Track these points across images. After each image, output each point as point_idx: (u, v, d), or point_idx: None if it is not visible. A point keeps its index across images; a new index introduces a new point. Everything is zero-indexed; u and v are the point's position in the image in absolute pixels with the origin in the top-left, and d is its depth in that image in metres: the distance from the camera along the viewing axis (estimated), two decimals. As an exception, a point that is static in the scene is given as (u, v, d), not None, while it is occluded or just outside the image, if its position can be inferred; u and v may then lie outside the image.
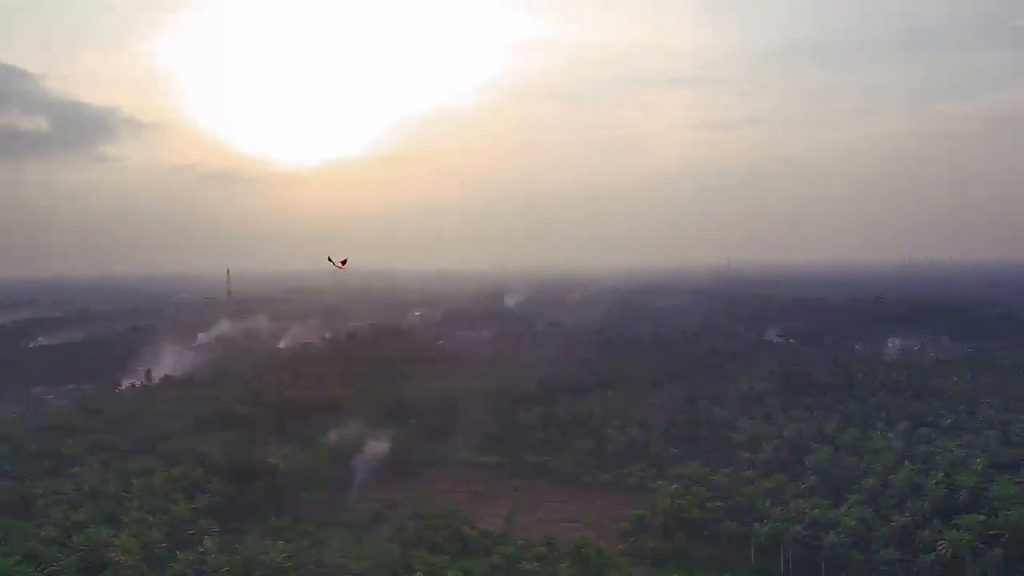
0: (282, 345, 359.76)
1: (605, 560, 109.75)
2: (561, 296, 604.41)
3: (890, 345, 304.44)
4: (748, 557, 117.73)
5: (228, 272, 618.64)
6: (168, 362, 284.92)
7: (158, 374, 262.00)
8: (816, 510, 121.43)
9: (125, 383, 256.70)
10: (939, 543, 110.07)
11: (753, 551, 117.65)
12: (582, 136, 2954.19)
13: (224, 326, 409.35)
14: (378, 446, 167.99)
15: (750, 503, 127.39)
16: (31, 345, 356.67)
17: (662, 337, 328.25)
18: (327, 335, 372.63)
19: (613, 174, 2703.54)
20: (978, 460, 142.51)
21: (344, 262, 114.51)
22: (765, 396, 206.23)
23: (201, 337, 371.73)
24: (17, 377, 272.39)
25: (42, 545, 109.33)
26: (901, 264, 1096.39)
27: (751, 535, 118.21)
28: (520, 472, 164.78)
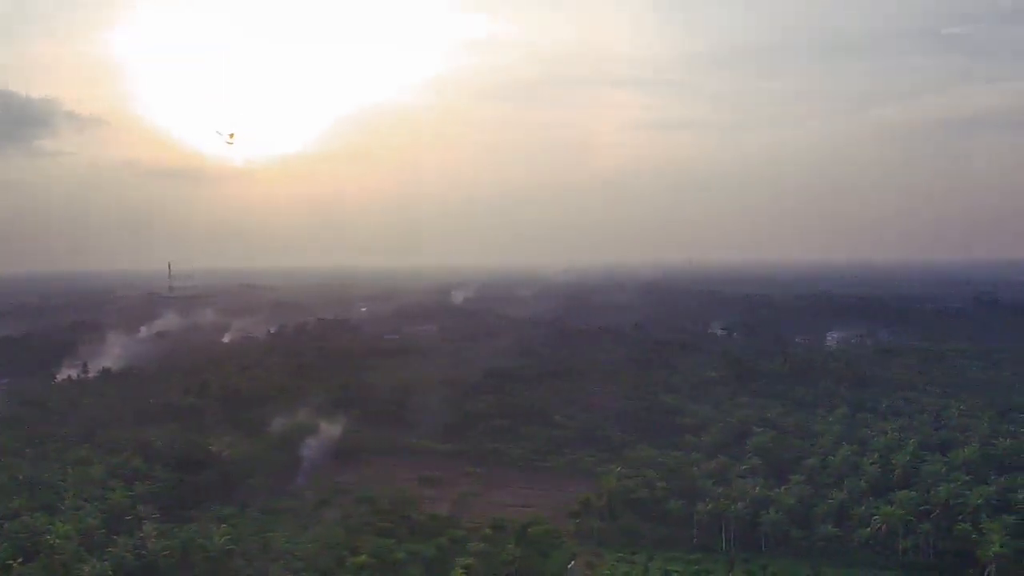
0: (227, 339, 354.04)
1: (552, 540, 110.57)
2: (511, 292, 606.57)
3: (831, 337, 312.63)
4: (691, 535, 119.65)
5: (169, 267, 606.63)
6: (108, 355, 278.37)
7: (97, 367, 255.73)
8: (757, 489, 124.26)
9: (63, 376, 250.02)
10: (873, 518, 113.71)
11: (696, 529, 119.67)
12: (527, 135, 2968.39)
13: (165, 320, 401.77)
14: (326, 435, 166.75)
15: (695, 484, 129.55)
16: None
17: (613, 330, 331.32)
18: (273, 329, 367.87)
19: (559, 173, 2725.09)
20: (911, 441, 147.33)
21: (232, 135, 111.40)
22: (712, 384, 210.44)
23: (142, 331, 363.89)
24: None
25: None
26: (843, 263, 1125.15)
27: (694, 514, 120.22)
28: (472, 459, 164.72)
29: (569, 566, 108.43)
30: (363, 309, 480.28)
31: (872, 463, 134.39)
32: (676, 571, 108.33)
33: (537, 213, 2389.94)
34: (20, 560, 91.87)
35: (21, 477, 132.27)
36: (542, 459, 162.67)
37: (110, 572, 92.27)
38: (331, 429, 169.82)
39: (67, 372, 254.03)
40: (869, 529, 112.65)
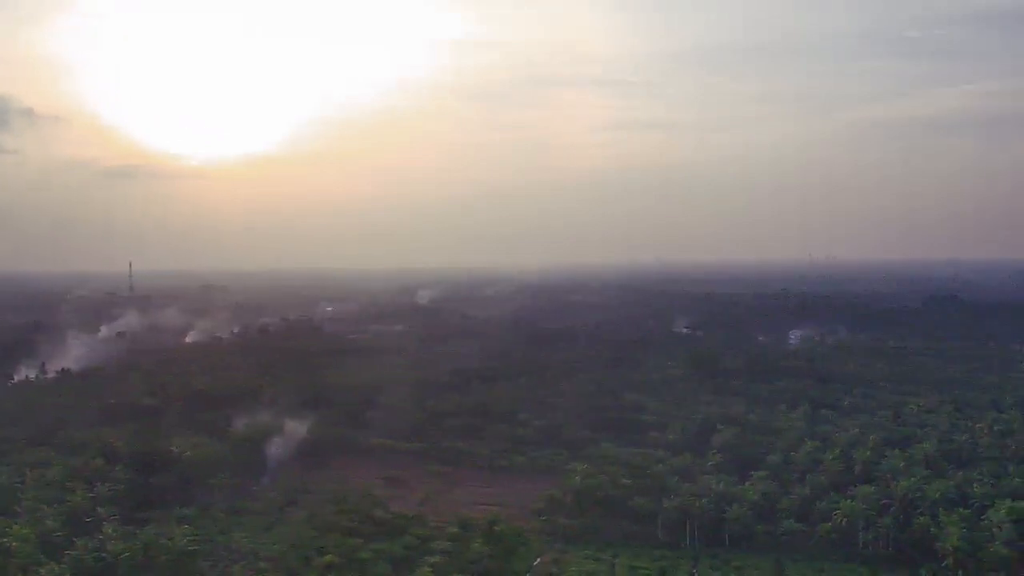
0: (189, 339, 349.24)
1: (518, 538, 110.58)
2: (477, 292, 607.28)
3: (793, 335, 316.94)
4: (656, 532, 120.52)
5: (131, 267, 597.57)
6: (67, 356, 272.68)
7: (55, 368, 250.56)
8: (722, 485, 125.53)
9: (20, 377, 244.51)
10: (835, 513, 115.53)
11: (661, 525, 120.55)
12: (500, 136, 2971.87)
13: (126, 320, 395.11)
14: (290, 435, 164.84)
15: (660, 481, 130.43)
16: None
17: (576, 329, 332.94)
18: (236, 329, 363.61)
19: (532, 174, 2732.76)
20: (872, 437, 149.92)
21: None
22: (675, 381, 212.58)
23: (102, 331, 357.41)
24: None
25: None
26: (804, 263, 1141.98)
27: (660, 510, 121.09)
28: (436, 458, 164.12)
29: (535, 563, 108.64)
30: (328, 309, 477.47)
31: (834, 459, 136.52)
32: (642, 567, 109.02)
33: (510, 214, 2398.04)
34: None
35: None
36: (506, 458, 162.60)
37: (69, 575, 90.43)
38: (295, 429, 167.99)
39: (24, 373, 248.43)
40: (831, 523, 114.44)
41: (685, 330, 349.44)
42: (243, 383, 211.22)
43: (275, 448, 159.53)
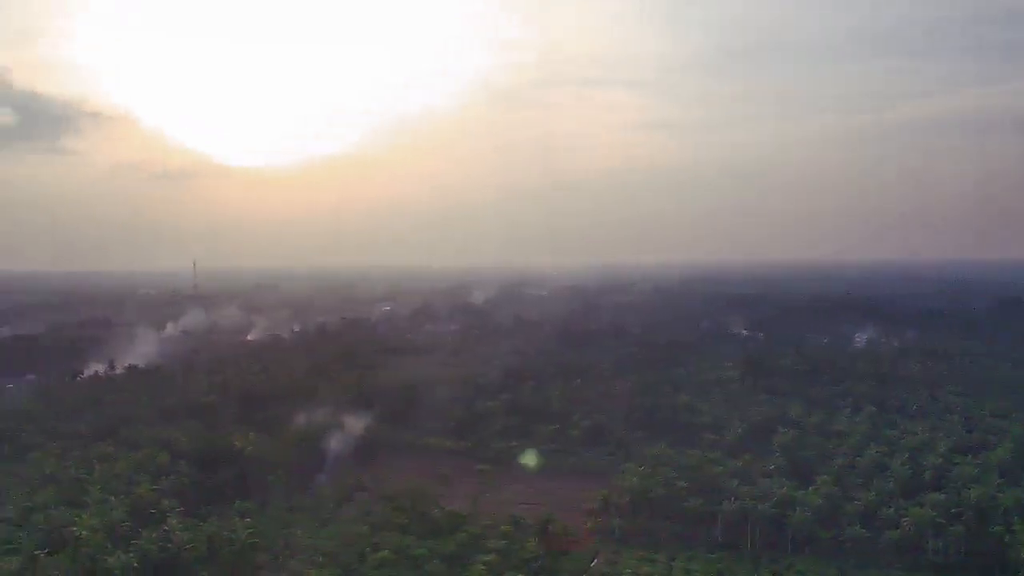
0: (249, 337, 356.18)
1: (571, 537, 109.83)
2: (525, 292, 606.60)
3: (853, 336, 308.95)
4: (714, 535, 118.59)
5: (195, 266, 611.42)
6: (133, 352, 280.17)
7: (122, 364, 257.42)
8: (783, 489, 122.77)
9: (87, 373, 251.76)
10: (903, 520, 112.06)
11: (720, 528, 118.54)
12: (532, 136, 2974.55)
13: (189, 319, 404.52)
14: (344, 432, 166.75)
15: (716, 482, 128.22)
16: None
17: (626, 329, 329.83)
18: (295, 328, 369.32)
19: (563, 174, 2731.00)
20: (941, 443, 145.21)
21: None
22: (729, 382, 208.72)
23: (166, 329, 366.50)
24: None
25: (1, 525, 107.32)
26: (850, 263, 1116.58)
27: (718, 513, 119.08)
28: (485, 457, 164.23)
29: (592, 564, 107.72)
30: (386, 308, 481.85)
31: (902, 464, 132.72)
32: (698, 570, 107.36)
33: (544, 213, 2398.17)
34: (46, 551, 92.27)
35: (47, 471, 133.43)
36: (557, 458, 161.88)
37: (135, 564, 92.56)
38: (349, 427, 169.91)
39: (92, 369, 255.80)
40: (898, 531, 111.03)
41: (741, 331, 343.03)
42: (300, 381, 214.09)
43: (329, 445, 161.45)
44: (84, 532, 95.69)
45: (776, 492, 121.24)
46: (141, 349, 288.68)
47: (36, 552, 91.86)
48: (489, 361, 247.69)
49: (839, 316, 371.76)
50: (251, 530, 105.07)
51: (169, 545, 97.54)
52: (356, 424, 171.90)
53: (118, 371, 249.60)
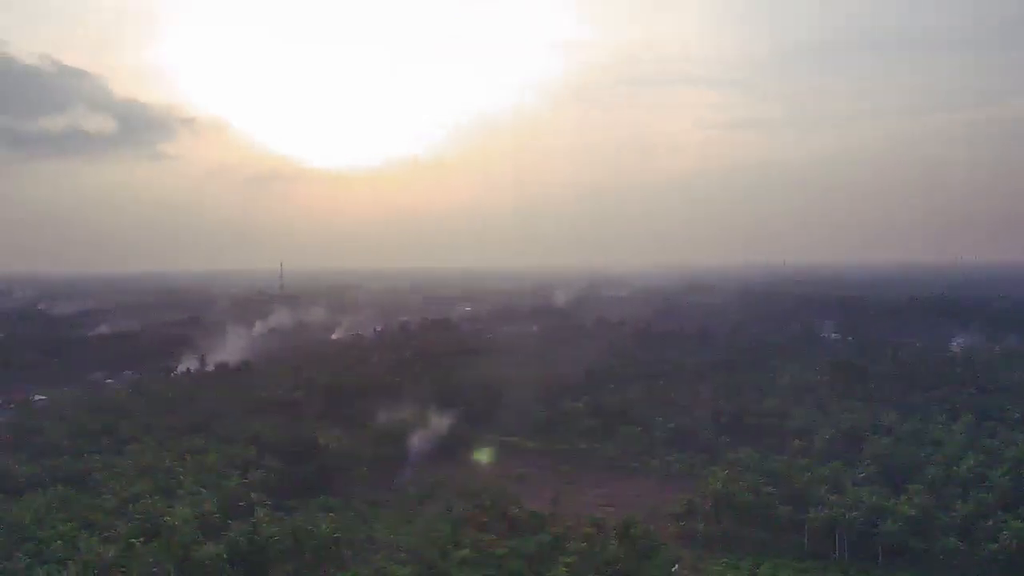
0: (333, 336, 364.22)
1: (653, 541, 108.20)
2: (605, 293, 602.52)
3: (950, 341, 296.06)
4: (801, 542, 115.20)
5: (281, 266, 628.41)
6: (222, 350, 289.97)
7: (212, 361, 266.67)
8: (874, 498, 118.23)
9: (180, 369, 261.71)
10: (1003, 533, 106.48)
11: (807, 536, 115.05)
12: (609, 136, 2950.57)
13: (276, 318, 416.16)
14: (425, 430, 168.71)
15: (805, 489, 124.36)
16: (91, 334, 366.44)
17: (708, 331, 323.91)
18: (377, 327, 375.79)
19: (640, 174, 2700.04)
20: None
21: None
22: (818, 387, 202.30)
23: (254, 327, 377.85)
24: (78, 363, 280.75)
25: (100, 514, 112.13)
26: (945, 265, 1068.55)
27: (805, 520, 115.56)
28: (566, 458, 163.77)
29: (673, 569, 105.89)
30: (467, 309, 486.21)
31: (1002, 474, 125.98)
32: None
33: (620, 214, 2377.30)
34: (142, 540, 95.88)
35: (143, 463, 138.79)
36: (639, 460, 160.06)
37: (224, 554, 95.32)
38: (430, 425, 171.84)
39: (185, 365, 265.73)
40: (997, 544, 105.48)
41: (830, 334, 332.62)
42: (382, 379, 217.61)
43: (410, 442, 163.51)
44: (177, 522, 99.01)
45: (866, 501, 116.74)
46: (230, 347, 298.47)
47: (132, 540, 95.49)
48: (570, 362, 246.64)
49: (937, 319, 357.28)
50: (334, 525, 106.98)
51: (256, 537, 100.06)
52: (437, 422, 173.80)
53: (209, 368, 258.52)
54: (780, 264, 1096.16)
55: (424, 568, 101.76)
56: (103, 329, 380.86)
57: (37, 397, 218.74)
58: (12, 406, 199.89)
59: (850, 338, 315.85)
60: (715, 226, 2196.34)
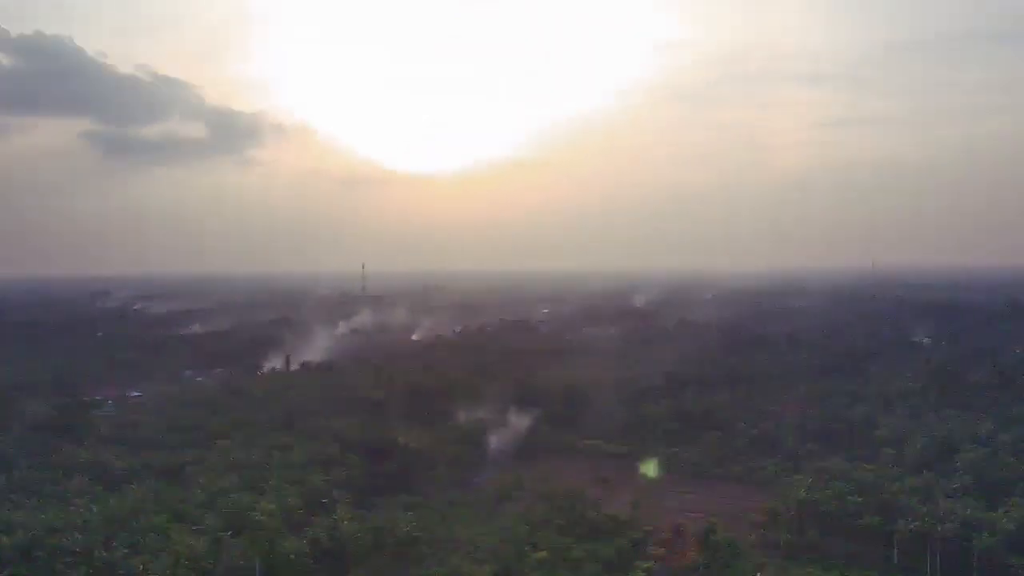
0: (414, 336, 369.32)
1: (734, 548, 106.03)
2: (692, 296, 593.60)
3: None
4: (889, 555, 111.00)
5: (363, 268, 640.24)
6: (307, 349, 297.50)
7: (298, 360, 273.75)
8: (968, 511, 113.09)
9: (268, 367, 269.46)
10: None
11: (897, 549, 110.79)
12: (709, 136, 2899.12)
13: (359, 318, 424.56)
14: (505, 430, 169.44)
15: (895, 500, 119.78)
16: (183, 333, 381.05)
17: (796, 336, 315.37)
18: (458, 328, 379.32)
19: (742, 175, 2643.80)
20: None
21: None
22: (910, 395, 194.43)
23: (338, 328, 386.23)
24: (170, 361, 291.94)
25: (190, 507, 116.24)
26: None
27: (895, 532, 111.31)
28: (645, 462, 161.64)
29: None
30: (544, 311, 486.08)
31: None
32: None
33: (718, 215, 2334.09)
34: (230, 533, 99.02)
35: (232, 458, 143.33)
36: (718, 466, 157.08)
37: (307, 549, 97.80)
38: (508, 426, 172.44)
39: (272, 364, 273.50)
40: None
41: (926, 340, 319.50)
42: (462, 380, 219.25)
43: (490, 443, 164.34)
44: (263, 517, 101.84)
45: (960, 514, 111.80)
46: (315, 346, 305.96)
47: (221, 533, 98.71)
48: (652, 365, 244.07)
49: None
50: (414, 523, 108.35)
51: (338, 533, 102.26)
52: (516, 423, 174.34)
53: (295, 367, 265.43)
54: (869, 267, 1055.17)
55: (501, 569, 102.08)
56: (196, 328, 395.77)
57: (133, 393, 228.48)
58: (110, 402, 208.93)
59: (946, 344, 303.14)
60: (823, 228, 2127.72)
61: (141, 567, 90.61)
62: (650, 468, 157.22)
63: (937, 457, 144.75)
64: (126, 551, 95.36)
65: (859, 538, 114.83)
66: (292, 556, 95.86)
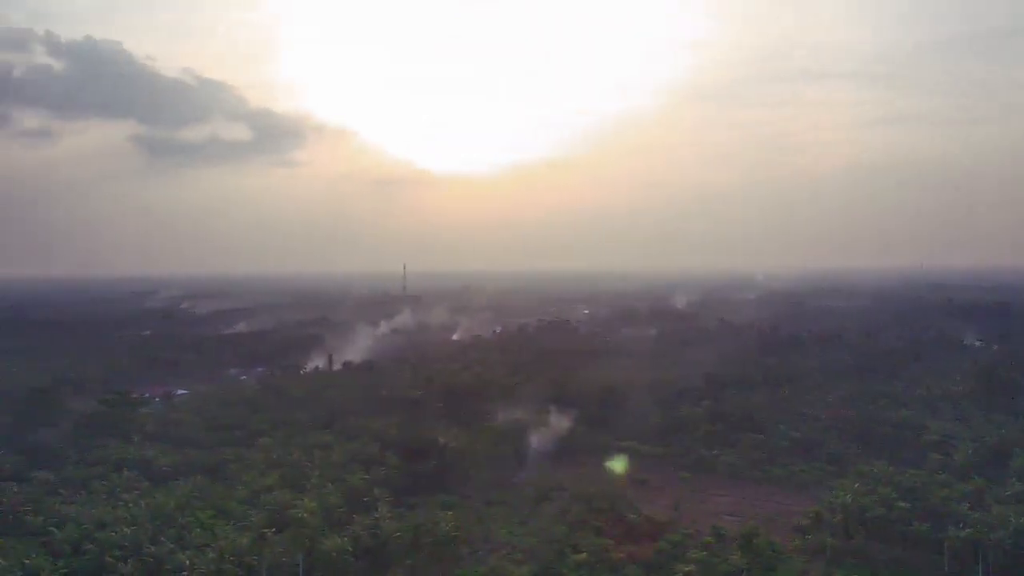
0: (454, 336, 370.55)
1: (777, 553, 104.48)
2: (731, 295, 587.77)
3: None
4: (938, 562, 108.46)
5: (404, 268, 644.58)
6: (348, 349, 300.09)
7: (339, 359, 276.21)
8: (1022, 518, 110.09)
9: (309, 367, 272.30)
10: None
11: (947, 556, 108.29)
12: (740, 135, 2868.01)
13: (400, 318, 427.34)
14: (542, 431, 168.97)
15: (943, 506, 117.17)
16: (226, 332, 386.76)
17: (839, 337, 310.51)
18: (496, 328, 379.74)
19: (774, 172, 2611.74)
20: None
21: None
22: (959, 398, 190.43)
23: (378, 327, 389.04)
24: (213, 360, 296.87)
25: (234, 503, 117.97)
26: None
27: (944, 539, 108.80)
28: (685, 464, 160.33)
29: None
30: (584, 311, 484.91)
31: None
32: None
33: (756, 215, 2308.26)
34: (273, 530, 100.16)
35: (274, 456, 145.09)
36: (758, 469, 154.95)
37: (348, 547, 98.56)
38: (547, 426, 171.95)
39: (313, 363, 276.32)
40: None
41: (978, 342, 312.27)
42: (500, 380, 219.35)
43: (529, 444, 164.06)
44: (304, 515, 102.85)
45: (1014, 521, 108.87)
46: (355, 346, 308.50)
47: (264, 530, 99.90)
48: (691, 366, 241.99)
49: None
50: (453, 523, 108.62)
51: (378, 532, 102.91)
52: (555, 423, 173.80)
53: (336, 366, 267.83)
54: (918, 267, 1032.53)
55: (540, 569, 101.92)
56: (239, 328, 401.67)
57: (179, 391, 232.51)
58: (157, 400, 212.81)
59: (995, 346, 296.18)
60: (860, 228, 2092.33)
61: (187, 562, 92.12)
62: (688, 470, 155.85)
63: (988, 463, 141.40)
64: (172, 546, 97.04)
65: (907, 545, 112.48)
66: (334, 554, 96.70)
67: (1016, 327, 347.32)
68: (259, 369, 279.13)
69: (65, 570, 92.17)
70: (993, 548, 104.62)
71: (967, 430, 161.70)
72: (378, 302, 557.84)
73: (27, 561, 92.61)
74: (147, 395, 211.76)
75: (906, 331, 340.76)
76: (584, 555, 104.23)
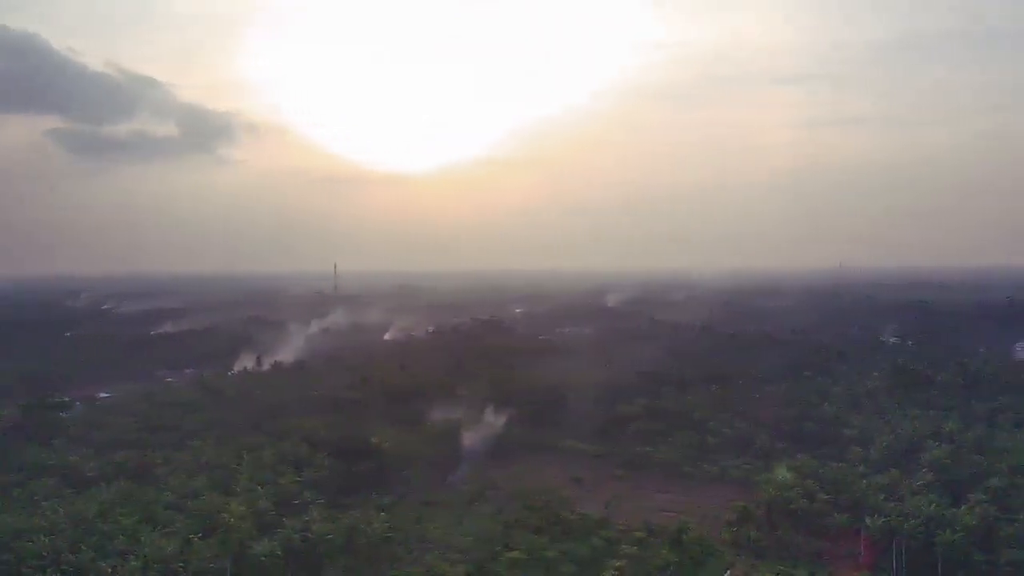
0: (387, 336, 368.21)
1: (706, 547, 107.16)
2: (666, 295, 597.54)
3: (1019, 347, 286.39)
4: (856, 552, 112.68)
5: (335, 268, 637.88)
6: (278, 349, 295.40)
7: (269, 360, 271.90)
8: (933, 507, 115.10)
9: (239, 367, 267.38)
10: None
11: (863, 545, 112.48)
12: (690, 137, 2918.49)
13: (331, 318, 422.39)
14: (479, 431, 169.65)
15: (862, 498, 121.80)
16: (154, 332, 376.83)
17: (768, 335, 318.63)
18: (431, 328, 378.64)
19: (721, 175, 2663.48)
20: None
21: None
22: (877, 393, 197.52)
23: (309, 327, 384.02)
24: (142, 360, 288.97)
25: (159, 508, 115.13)
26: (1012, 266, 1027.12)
27: (861, 529, 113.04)
28: (620, 461, 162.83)
29: (726, 575, 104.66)
30: (517, 311, 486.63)
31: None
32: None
33: (697, 216, 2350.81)
34: (200, 535, 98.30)
35: (202, 459, 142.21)
36: (692, 465, 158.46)
37: (279, 551, 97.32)
38: (483, 425, 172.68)
39: (242, 364, 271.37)
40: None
41: (891, 339, 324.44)
42: (435, 379, 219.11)
43: (464, 443, 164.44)
44: (233, 519, 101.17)
45: (925, 510, 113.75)
46: (287, 346, 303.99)
47: (191, 535, 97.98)
48: (627, 364, 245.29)
49: (1005, 325, 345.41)
50: (387, 523, 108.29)
51: (310, 535, 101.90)
52: (491, 423, 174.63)
53: (266, 367, 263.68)
54: (838, 267, 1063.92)
55: (474, 568, 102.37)
56: (166, 328, 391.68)
57: (102, 394, 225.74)
58: (78, 403, 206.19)
59: (912, 343, 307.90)
60: (811, 227, 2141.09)
61: (110, 570, 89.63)
62: (624, 468, 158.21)
63: (903, 455, 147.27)
64: (94, 554, 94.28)
65: (828, 536, 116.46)
66: (263, 558, 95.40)
67: (933, 325, 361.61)
68: (188, 370, 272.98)
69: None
70: (906, 537, 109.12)
71: (884, 424, 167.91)
72: (311, 302, 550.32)
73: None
74: (68, 398, 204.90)
75: (830, 330, 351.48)
76: (519, 553, 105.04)
